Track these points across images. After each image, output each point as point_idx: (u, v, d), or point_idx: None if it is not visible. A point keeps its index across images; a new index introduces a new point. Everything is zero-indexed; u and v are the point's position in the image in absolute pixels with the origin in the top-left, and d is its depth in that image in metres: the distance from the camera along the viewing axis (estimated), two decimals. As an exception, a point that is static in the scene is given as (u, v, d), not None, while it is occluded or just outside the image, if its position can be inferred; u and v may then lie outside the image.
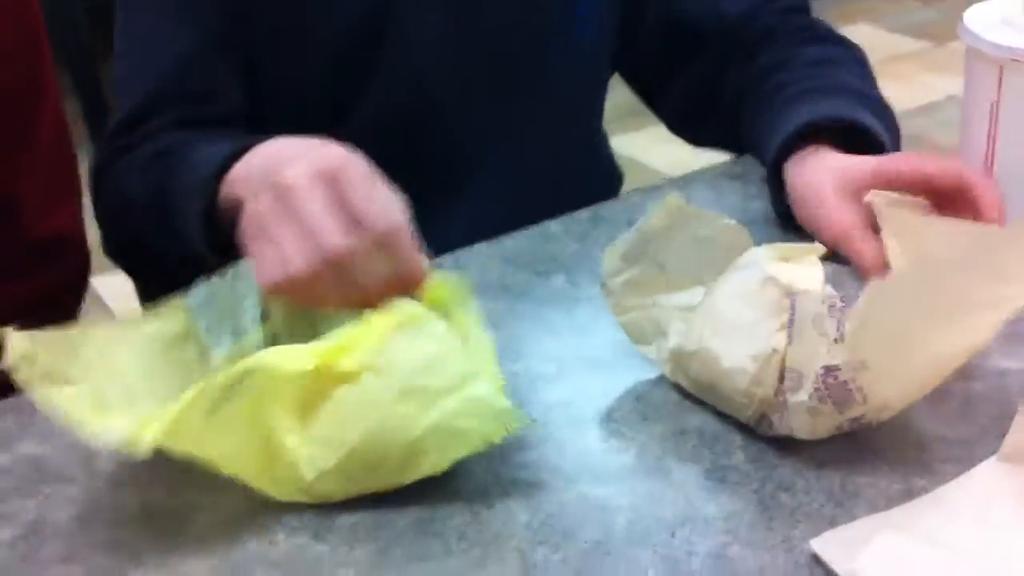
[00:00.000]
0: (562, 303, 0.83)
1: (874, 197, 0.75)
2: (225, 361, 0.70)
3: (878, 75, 0.94)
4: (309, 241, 0.64)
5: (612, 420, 0.71)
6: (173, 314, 0.70)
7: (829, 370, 0.63)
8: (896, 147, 0.86)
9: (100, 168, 0.91)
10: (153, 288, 0.83)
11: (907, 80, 3.24)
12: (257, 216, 0.66)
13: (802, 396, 0.64)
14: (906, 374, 0.64)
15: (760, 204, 0.93)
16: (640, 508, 0.63)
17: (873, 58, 0.96)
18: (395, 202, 0.66)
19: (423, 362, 0.63)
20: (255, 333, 0.71)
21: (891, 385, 0.64)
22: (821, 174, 0.81)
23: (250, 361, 0.62)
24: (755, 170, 0.99)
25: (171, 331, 0.69)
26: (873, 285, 0.62)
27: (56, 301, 0.97)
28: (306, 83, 0.95)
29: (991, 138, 0.74)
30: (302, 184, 0.65)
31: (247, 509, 0.64)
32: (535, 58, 1.00)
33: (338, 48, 0.93)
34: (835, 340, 0.63)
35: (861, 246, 0.76)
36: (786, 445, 0.67)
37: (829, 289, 0.69)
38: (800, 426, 0.65)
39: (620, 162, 1.16)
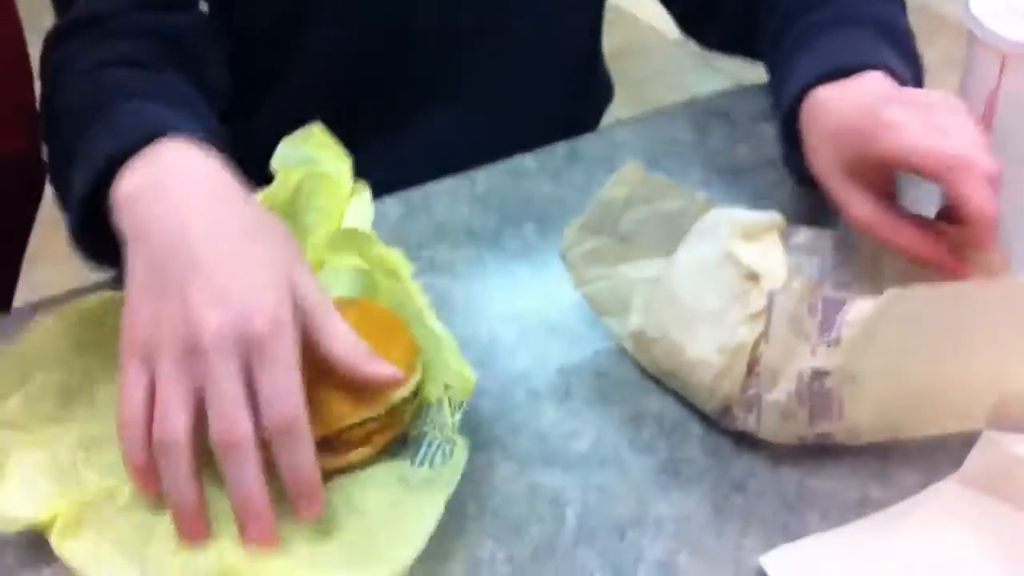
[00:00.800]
0: (530, 257, 0.80)
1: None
2: None
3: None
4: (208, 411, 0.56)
5: (570, 398, 0.69)
6: (113, 302, 0.67)
7: (817, 374, 0.61)
8: (917, 80, 0.81)
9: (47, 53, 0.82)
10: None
11: None
12: (152, 347, 0.57)
13: (778, 396, 0.62)
14: (890, 404, 0.62)
15: (746, 149, 0.90)
16: (591, 504, 0.62)
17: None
18: (299, 391, 0.56)
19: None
20: None
21: (872, 410, 0.62)
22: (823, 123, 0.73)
23: None
24: (742, 106, 0.95)
25: (113, 316, 0.67)
26: (889, 294, 0.59)
27: (7, 221, 0.94)
28: None
29: (986, 129, 0.70)
30: (220, 351, 0.55)
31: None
32: None
33: None
34: (828, 344, 0.60)
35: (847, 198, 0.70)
36: (744, 439, 0.66)
37: (798, 277, 0.66)
38: (768, 427, 0.64)
39: (612, 15, 1.10)
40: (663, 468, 0.65)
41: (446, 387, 0.63)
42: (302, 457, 0.56)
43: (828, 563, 0.58)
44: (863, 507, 0.62)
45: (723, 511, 0.62)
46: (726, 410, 0.65)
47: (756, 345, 0.63)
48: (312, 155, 0.71)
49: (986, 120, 0.69)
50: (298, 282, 0.60)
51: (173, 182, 0.63)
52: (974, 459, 0.61)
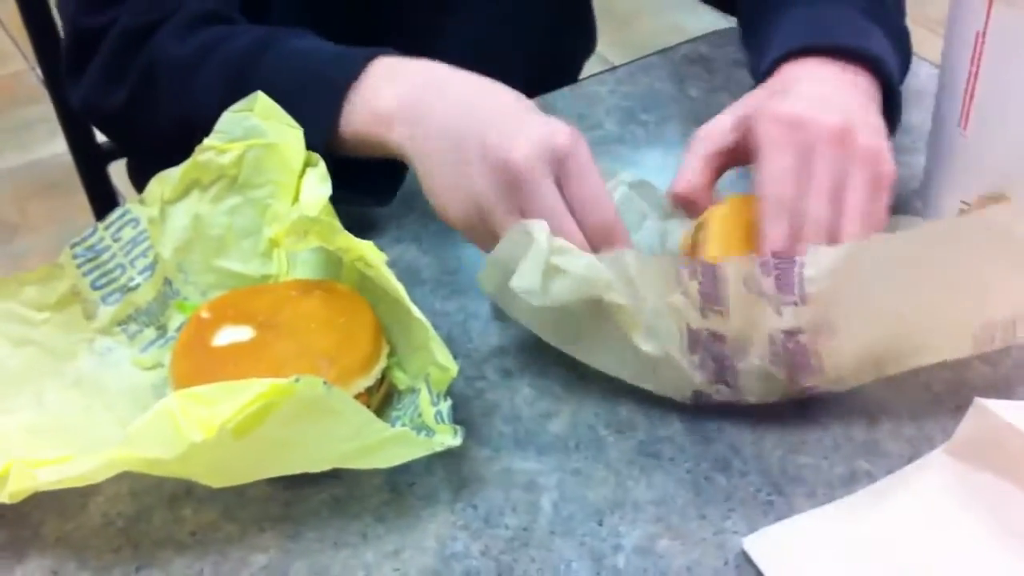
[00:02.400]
0: (502, 225, 0.77)
1: None
2: (111, 321, 0.65)
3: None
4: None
5: (545, 377, 0.67)
6: (55, 276, 0.64)
7: (789, 334, 0.58)
8: (903, 63, 0.77)
9: (99, 33, 0.79)
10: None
11: None
12: (475, 195, 0.63)
13: (753, 361, 0.60)
14: (870, 346, 0.60)
15: (726, 98, 0.86)
16: (567, 489, 0.60)
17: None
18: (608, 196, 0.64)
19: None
20: (146, 286, 0.66)
21: (852, 355, 0.60)
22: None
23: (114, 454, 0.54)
24: (720, 54, 0.91)
25: (53, 295, 0.64)
26: (852, 245, 0.57)
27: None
28: None
29: (973, 69, 0.66)
30: (535, 170, 0.61)
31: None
32: None
33: None
34: (795, 303, 0.58)
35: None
36: (726, 415, 0.63)
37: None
38: (748, 392, 0.61)
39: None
40: (642, 449, 0.62)
41: (427, 376, 0.60)
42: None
43: (813, 543, 0.56)
44: (851, 482, 0.59)
45: (705, 492, 0.60)
46: (696, 394, 0.63)
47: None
48: (258, 125, 0.67)
49: (975, 59, 0.66)
50: None
51: (434, 79, 0.69)
52: (964, 428, 0.59)
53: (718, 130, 0.68)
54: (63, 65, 0.83)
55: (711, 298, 0.59)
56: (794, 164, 0.62)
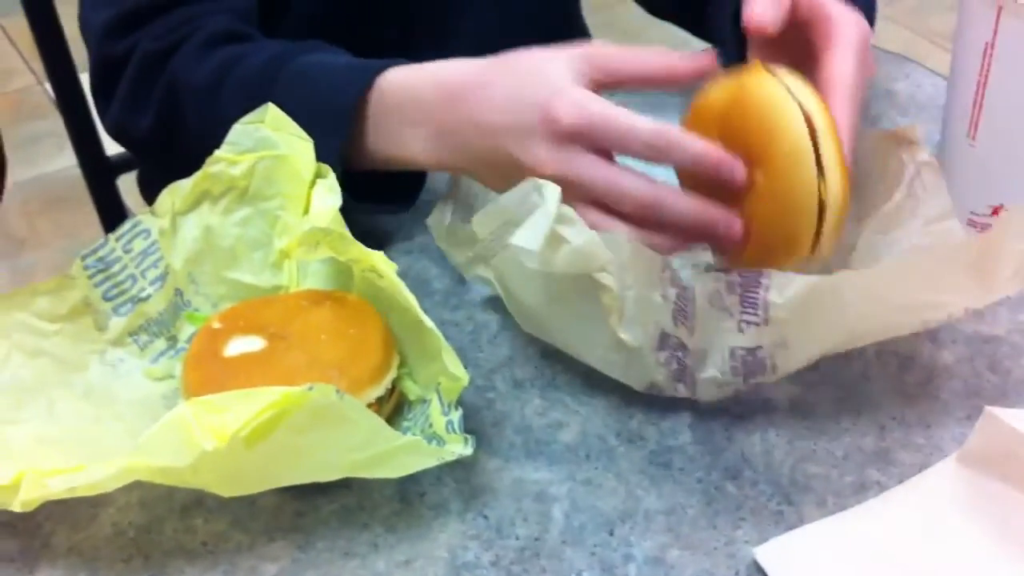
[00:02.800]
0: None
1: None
2: (122, 332, 0.65)
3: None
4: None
5: (555, 387, 0.67)
6: (67, 287, 0.65)
7: (750, 350, 0.60)
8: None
9: (123, 59, 0.81)
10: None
11: None
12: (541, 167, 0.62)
13: (712, 372, 0.61)
14: (822, 351, 0.61)
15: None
16: (578, 499, 0.60)
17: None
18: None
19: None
20: (157, 296, 0.66)
21: (804, 360, 0.61)
22: None
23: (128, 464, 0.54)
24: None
25: (65, 305, 0.65)
26: (818, 278, 0.58)
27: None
28: None
29: (982, 80, 0.67)
30: (566, 167, 0.62)
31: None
32: None
33: None
34: (757, 324, 0.59)
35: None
36: (734, 423, 0.63)
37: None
38: (702, 395, 0.63)
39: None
40: (652, 459, 0.62)
41: (437, 386, 0.61)
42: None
43: (825, 553, 0.56)
44: (862, 492, 0.59)
45: (716, 502, 0.60)
46: (651, 385, 0.63)
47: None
48: (269, 137, 0.68)
49: (983, 70, 0.66)
50: None
51: (441, 93, 0.69)
52: (975, 437, 0.59)
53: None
54: (92, 91, 0.84)
55: (681, 312, 0.61)
56: (860, 77, 0.64)
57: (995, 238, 0.57)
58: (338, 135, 0.70)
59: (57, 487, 0.55)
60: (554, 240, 0.59)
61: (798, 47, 0.66)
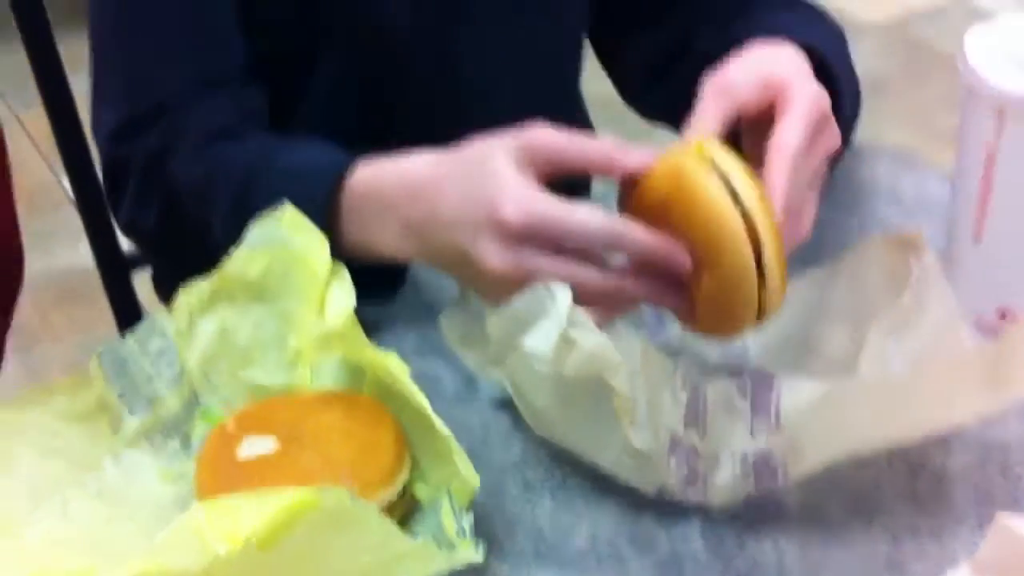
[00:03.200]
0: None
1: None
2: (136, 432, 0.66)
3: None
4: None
5: (566, 489, 0.67)
6: (84, 386, 0.65)
7: (761, 456, 0.60)
8: (854, 124, 0.82)
9: (128, 159, 0.83)
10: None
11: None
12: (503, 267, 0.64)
13: (724, 477, 0.62)
14: (832, 457, 0.62)
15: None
16: (589, 606, 0.60)
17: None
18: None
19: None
20: (172, 396, 0.67)
21: (816, 466, 0.62)
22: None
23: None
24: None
25: (81, 404, 0.65)
26: (832, 385, 0.59)
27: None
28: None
29: (986, 183, 0.68)
30: (518, 266, 0.63)
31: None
32: (509, 18, 0.94)
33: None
34: (768, 430, 0.59)
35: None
36: (746, 529, 0.63)
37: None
38: (713, 499, 0.63)
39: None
40: (664, 565, 0.62)
41: (449, 489, 0.61)
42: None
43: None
44: (874, 602, 0.59)
45: (727, 610, 0.59)
46: (662, 489, 0.63)
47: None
48: (284, 236, 0.69)
49: (987, 173, 0.67)
50: None
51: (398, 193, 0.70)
52: (987, 546, 0.58)
53: (743, 92, 0.68)
54: (105, 191, 0.87)
55: (693, 414, 0.61)
56: (807, 146, 0.66)
57: (1007, 346, 0.58)
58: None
59: None
60: (565, 343, 0.60)
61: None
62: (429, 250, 0.69)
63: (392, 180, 0.71)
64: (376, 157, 0.74)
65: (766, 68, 0.69)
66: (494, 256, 0.64)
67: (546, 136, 0.66)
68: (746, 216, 0.61)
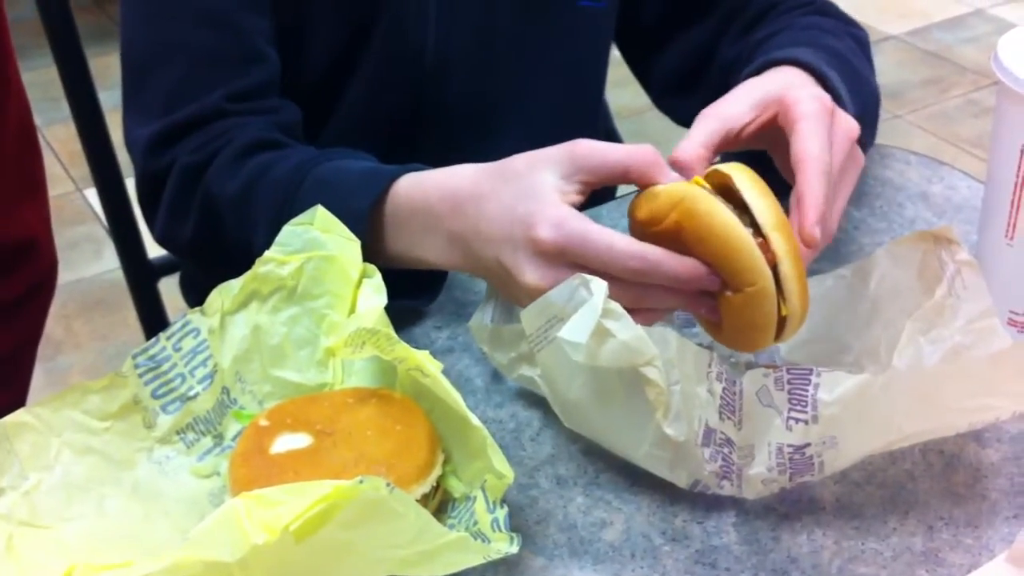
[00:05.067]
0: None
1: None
2: (169, 430, 0.66)
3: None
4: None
5: (598, 485, 0.67)
6: (118, 386, 0.66)
7: (797, 448, 0.60)
8: (870, 121, 0.82)
9: (164, 172, 0.84)
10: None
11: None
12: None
13: (759, 469, 0.62)
14: (869, 450, 0.62)
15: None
16: (624, 599, 0.60)
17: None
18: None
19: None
20: (205, 394, 0.67)
21: (851, 459, 0.62)
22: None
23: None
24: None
25: (115, 403, 0.66)
26: (867, 376, 0.58)
27: (25, 303, 0.93)
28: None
29: (1019, 182, 0.68)
30: (551, 278, 0.64)
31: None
32: (536, 28, 0.95)
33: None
34: (806, 422, 0.59)
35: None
36: (780, 522, 0.63)
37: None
38: (748, 492, 0.63)
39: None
40: (698, 559, 0.62)
41: (483, 482, 0.61)
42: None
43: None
44: (910, 593, 0.59)
45: (763, 602, 0.59)
46: (696, 482, 0.63)
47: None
48: (318, 238, 0.69)
49: (1020, 172, 0.67)
50: None
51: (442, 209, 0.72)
52: (1023, 537, 0.58)
53: (732, 111, 0.71)
54: (139, 203, 0.88)
55: (728, 406, 0.61)
56: (827, 142, 0.67)
57: None
58: (356, 237, 0.72)
59: None
60: (601, 334, 0.60)
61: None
62: (472, 261, 0.71)
63: (437, 193, 0.72)
64: (421, 168, 0.75)
65: (757, 91, 0.72)
66: (532, 272, 0.65)
67: (589, 149, 0.67)
68: (762, 238, 0.62)
